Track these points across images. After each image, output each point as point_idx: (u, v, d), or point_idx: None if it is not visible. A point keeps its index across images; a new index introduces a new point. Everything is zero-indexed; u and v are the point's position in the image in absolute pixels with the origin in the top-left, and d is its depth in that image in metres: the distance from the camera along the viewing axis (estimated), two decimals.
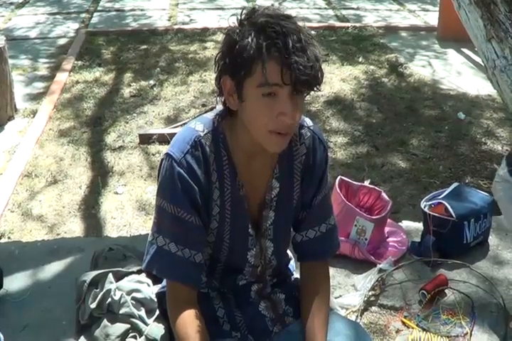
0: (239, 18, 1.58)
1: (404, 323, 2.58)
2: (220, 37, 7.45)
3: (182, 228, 1.70)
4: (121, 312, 2.33)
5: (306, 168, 1.82)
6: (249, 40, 1.50)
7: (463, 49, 7.13)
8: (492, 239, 3.13)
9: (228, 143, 1.71)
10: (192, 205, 1.69)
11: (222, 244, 1.83)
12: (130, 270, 2.48)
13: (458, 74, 6.59)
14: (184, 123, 5.08)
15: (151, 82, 6.18)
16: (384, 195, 3.13)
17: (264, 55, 1.48)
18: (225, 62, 1.57)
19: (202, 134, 1.69)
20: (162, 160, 1.71)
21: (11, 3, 9.38)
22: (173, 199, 1.69)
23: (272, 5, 1.60)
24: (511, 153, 2.55)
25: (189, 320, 1.69)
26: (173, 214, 1.69)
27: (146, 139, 4.92)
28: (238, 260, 1.89)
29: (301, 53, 1.48)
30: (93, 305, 2.35)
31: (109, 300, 2.35)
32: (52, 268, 2.89)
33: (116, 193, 4.23)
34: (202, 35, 7.67)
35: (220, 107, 1.73)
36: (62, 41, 7.61)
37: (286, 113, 1.54)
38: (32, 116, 5.39)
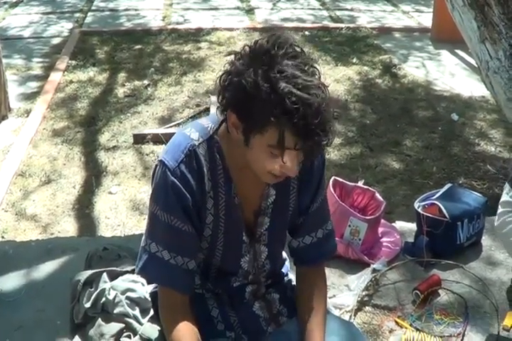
0: (255, 51, 1.50)
1: (397, 323, 2.59)
2: (214, 37, 7.47)
3: (175, 236, 1.70)
4: (115, 311, 2.34)
5: (304, 175, 1.80)
6: (266, 102, 1.44)
7: (457, 50, 7.15)
8: (485, 240, 3.15)
9: (224, 152, 1.70)
10: (185, 214, 1.69)
11: (215, 250, 1.83)
12: (124, 269, 2.49)
13: (451, 75, 6.61)
14: (178, 124, 5.09)
15: (145, 82, 6.18)
16: (378, 195, 3.14)
17: (282, 129, 1.46)
18: (235, 105, 1.52)
19: (197, 143, 1.68)
20: (156, 166, 1.71)
21: (5, 3, 9.35)
22: (166, 207, 1.69)
23: (291, 45, 1.50)
24: None
25: (183, 328, 1.69)
26: (166, 222, 1.69)
27: (140, 139, 4.92)
28: (231, 265, 1.89)
29: (319, 131, 1.46)
30: (87, 305, 2.35)
31: (104, 299, 2.35)
32: (46, 268, 2.89)
33: (110, 193, 4.23)
34: (196, 35, 7.66)
35: (213, 110, 1.72)
36: (56, 41, 7.60)
37: (290, 169, 1.56)
38: (26, 115, 5.39)
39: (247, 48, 1.53)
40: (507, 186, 2.47)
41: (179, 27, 8.02)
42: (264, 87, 1.44)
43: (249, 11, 8.89)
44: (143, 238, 1.76)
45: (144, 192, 4.19)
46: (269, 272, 1.96)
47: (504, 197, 2.46)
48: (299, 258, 1.94)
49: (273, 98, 1.44)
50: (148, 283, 2.32)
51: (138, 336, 2.28)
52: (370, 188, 3.22)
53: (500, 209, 2.47)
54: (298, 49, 1.51)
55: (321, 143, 1.49)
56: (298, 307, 1.87)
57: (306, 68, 1.48)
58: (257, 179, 1.74)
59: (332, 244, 1.96)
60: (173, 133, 1.77)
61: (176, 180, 1.65)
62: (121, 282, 2.44)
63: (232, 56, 1.56)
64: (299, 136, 1.47)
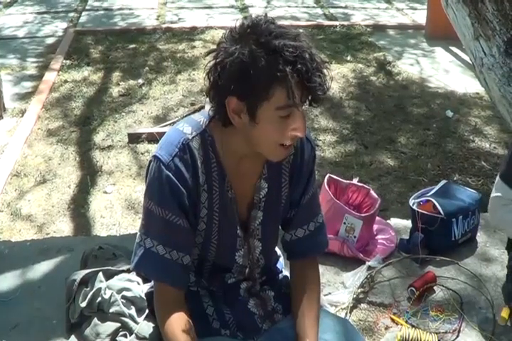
0: (237, 32, 1.57)
1: (393, 320, 2.60)
2: (208, 36, 7.46)
3: (170, 230, 1.71)
4: (111, 310, 2.33)
5: (294, 167, 1.83)
6: (266, 64, 1.49)
7: (451, 47, 7.15)
8: (480, 236, 3.15)
9: (217, 145, 1.71)
10: (180, 208, 1.69)
11: (210, 244, 1.84)
12: (120, 268, 2.48)
13: (446, 72, 6.61)
14: (173, 122, 5.08)
15: (140, 81, 6.17)
16: (372, 192, 3.15)
17: (289, 81, 1.49)
18: (234, 85, 1.54)
19: (190, 137, 1.69)
20: (150, 162, 1.71)
21: None
22: (161, 201, 1.69)
23: (266, 15, 1.59)
24: (504, 173, 2.49)
25: (177, 322, 1.69)
26: (161, 216, 1.69)
27: (135, 138, 4.92)
28: (226, 260, 1.90)
29: (319, 73, 1.52)
30: (83, 304, 2.35)
31: (99, 298, 2.35)
32: (41, 268, 2.89)
33: (106, 192, 4.23)
34: (190, 34, 7.64)
35: (207, 108, 1.73)
36: (50, 40, 7.58)
37: (299, 128, 1.59)
38: (20, 115, 5.38)
39: (227, 33, 1.60)
40: (498, 181, 2.49)
41: (173, 26, 8.01)
42: (259, 53, 1.50)
43: (244, 9, 8.88)
44: (138, 234, 1.77)
45: (139, 191, 4.19)
46: (263, 268, 1.97)
47: (493, 193, 2.51)
48: (292, 252, 1.95)
49: (271, 57, 1.49)
50: (144, 278, 2.33)
51: (134, 335, 2.27)
52: (364, 185, 3.22)
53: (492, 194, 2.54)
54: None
55: (323, 84, 1.53)
56: (291, 301, 1.88)
57: (288, 27, 1.58)
58: (250, 172, 1.77)
59: (324, 237, 1.97)
60: None
61: (170, 174, 1.66)
62: (117, 281, 2.43)
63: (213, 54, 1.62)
64: (304, 85, 1.51)
